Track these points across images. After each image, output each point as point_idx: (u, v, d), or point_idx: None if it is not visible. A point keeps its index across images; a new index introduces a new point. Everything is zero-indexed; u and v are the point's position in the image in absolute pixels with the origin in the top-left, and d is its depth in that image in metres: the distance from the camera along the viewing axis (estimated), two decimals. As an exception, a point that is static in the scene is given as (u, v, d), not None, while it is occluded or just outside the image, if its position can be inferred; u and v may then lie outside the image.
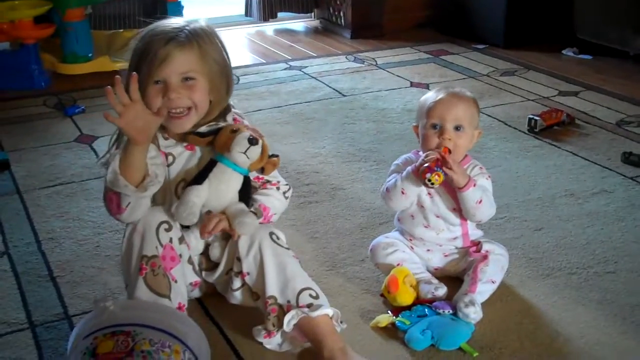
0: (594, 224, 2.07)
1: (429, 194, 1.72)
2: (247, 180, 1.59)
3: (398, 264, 1.72)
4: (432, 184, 1.61)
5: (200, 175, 1.55)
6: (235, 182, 1.56)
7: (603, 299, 1.72)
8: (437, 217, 1.73)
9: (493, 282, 1.69)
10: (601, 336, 1.59)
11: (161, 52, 1.49)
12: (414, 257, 1.76)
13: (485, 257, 1.70)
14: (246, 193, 1.59)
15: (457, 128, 1.69)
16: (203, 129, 1.58)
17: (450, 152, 1.67)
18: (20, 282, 1.81)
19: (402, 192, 1.71)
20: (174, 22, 1.56)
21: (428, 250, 1.77)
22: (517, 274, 1.82)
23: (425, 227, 1.75)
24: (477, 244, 1.75)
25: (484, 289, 1.66)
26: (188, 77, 1.52)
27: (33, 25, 3.21)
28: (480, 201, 1.68)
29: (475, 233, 1.77)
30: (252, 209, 1.59)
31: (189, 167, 1.59)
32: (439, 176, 1.60)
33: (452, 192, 1.70)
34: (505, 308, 1.69)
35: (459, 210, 1.71)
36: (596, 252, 1.93)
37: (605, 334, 1.60)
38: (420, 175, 1.63)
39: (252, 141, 1.53)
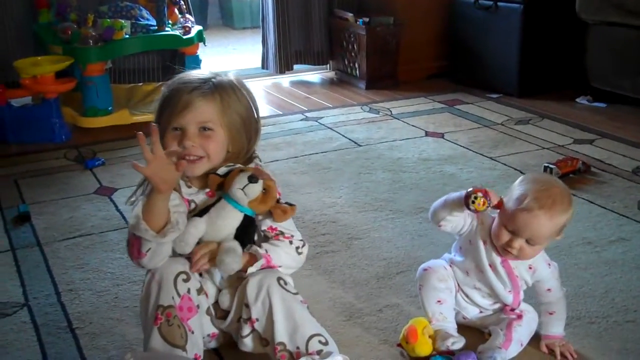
0: (613, 272, 2.06)
1: (491, 266, 1.67)
2: (248, 221, 1.59)
3: (439, 301, 1.70)
4: (473, 202, 1.54)
5: (204, 210, 1.58)
6: (233, 219, 1.57)
7: (623, 348, 1.71)
8: (491, 289, 1.71)
9: (522, 344, 1.68)
10: (622, 386, 1.58)
11: (183, 100, 1.54)
12: (453, 302, 1.74)
13: (520, 316, 1.69)
14: (245, 233, 1.59)
15: (528, 241, 1.60)
16: (221, 170, 1.61)
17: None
18: (40, 334, 1.82)
19: (444, 203, 1.64)
20: (202, 73, 1.61)
21: (468, 303, 1.76)
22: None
23: (475, 288, 1.73)
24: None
25: (513, 349, 1.65)
26: (206, 127, 1.55)
27: (54, 80, 3.29)
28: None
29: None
30: (249, 250, 1.59)
31: None
32: (484, 203, 1.54)
33: (515, 280, 1.68)
34: (526, 358, 1.68)
35: (515, 294, 1.70)
36: (615, 300, 1.91)
37: (627, 384, 1.58)
38: (466, 196, 1.56)
39: (252, 179, 1.55)
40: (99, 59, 3.38)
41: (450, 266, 1.76)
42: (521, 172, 2.83)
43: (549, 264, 1.70)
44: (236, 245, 1.56)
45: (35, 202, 2.64)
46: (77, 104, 3.47)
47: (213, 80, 1.58)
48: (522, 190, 1.59)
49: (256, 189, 1.56)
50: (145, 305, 1.53)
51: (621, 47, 3.62)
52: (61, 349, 1.75)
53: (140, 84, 3.93)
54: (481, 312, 1.76)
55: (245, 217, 1.58)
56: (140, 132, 1.46)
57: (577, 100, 3.84)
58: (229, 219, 1.57)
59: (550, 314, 1.72)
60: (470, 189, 1.58)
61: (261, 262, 1.59)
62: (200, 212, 1.58)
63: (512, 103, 3.82)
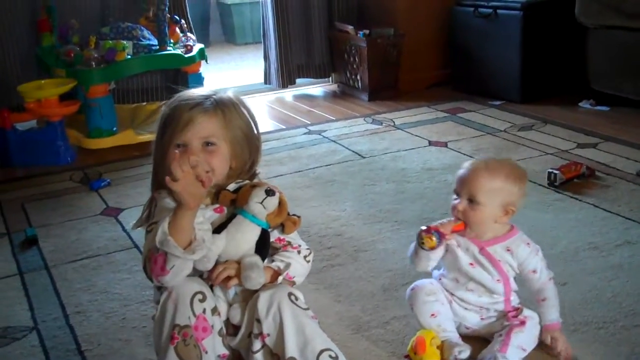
0: (619, 277, 2.06)
1: (472, 264, 1.71)
2: (265, 234, 1.61)
3: (432, 314, 1.71)
4: (422, 244, 1.64)
5: (220, 226, 1.59)
6: (251, 234, 1.59)
7: (632, 353, 1.70)
8: (481, 284, 1.72)
9: (524, 350, 1.67)
10: (632, 391, 1.57)
11: (185, 116, 1.55)
12: (450, 313, 1.74)
13: (523, 322, 1.69)
14: (263, 246, 1.61)
15: (470, 201, 1.67)
16: (231, 186, 1.63)
17: (464, 225, 1.67)
18: (49, 357, 1.82)
19: (416, 254, 1.72)
20: (202, 91, 1.63)
21: (466, 309, 1.76)
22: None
23: (469, 290, 1.74)
24: (517, 309, 1.73)
25: (513, 353, 1.64)
26: (209, 142, 1.57)
27: (58, 103, 3.31)
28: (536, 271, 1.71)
29: (515, 298, 1.76)
30: (275, 265, 1.62)
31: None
32: (430, 239, 1.63)
33: (498, 264, 1.70)
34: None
35: (505, 281, 1.71)
36: (623, 305, 1.91)
37: (636, 389, 1.58)
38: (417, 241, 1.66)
39: (269, 192, 1.58)
40: (102, 81, 3.40)
41: (440, 280, 1.78)
42: (525, 179, 2.83)
43: (528, 244, 1.71)
44: (258, 259, 1.58)
45: (42, 225, 2.65)
46: (81, 125, 3.49)
47: (213, 97, 1.60)
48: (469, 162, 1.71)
49: (274, 201, 1.59)
50: (160, 324, 1.53)
51: (622, 50, 3.62)
52: (71, 371, 1.76)
53: (144, 103, 3.96)
54: (482, 318, 1.76)
55: (262, 230, 1.60)
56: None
57: (580, 104, 3.84)
58: (248, 234, 1.59)
59: (543, 300, 1.71)
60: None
61: (283, 277, 1.62)
62: (216, 229, 1.59)
63: (514, 109, 3.82)
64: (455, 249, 1.72)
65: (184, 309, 1.51)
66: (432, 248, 1.65)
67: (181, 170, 1.46)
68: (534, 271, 1.71)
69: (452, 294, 1.76)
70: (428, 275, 1.82)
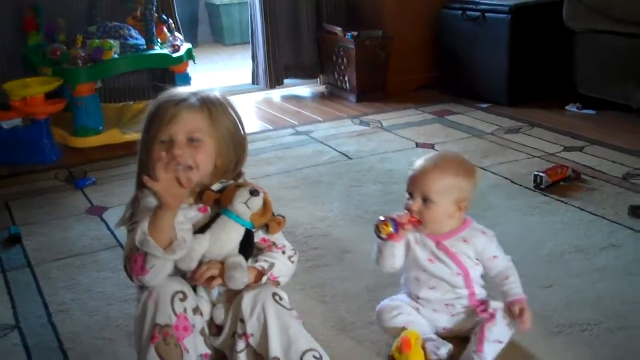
0: (604, 279, 2.06)
1: (430, 259, 1.73)
2: (249, 234, 1.60)
3: (403, 327, 1.71)
4: (379, 233, 1.65)
5: (204, 226, 1.59)
6: (235, 234, 1.58)
7: (615, 355, 1.70)
8: (441, 280, 1.73)
9: (500, 342, 1.67)
10: (615, 393, 1.57)
11: (170, 112, 1.55)
12: (420, 319, 1.76)
13: (492, 315, 1.69)
14: (247, 246, 1.60)
15: (424, 200, 1.68)
16: (215, 186, 1.62)
17: (418, 221, 1.69)
18: (31, 356, 1.81)
19: (380, 252, 1.75)
20: (189, 89, 1.63)
21: (434, 310, 1.77)
22: (528, 332, 1.79)
23: (431, 288, 1.75)
24: (484, 302, 1.74)
25: (490, 349, 1.65)
26: (194, 138, 1.56)
27: (44, 101, 3.29)
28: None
29: (482, 292, 1.77)
30: (259, 265, 1.61)
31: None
32: (386, 225, 1.64)
33: (455, 257, 1.71)
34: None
35: (465, 274, 1.72)
36: (607, 307, 1.91)
37: (619, 391, 1.58)
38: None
39: (253, 192, 1.57)
40: (88, 79, 3.39)
41: (404, 284, 1.80)
42: (511, 182, 2.84)
43: (484, 232, 1.73)
44: (241, 259, 1.57)
45: (26, 223, 2.63)
46: (67, 124, 3.47)
47: (200, 94, 1.60)
48: (418, 161, 1.73)
49: (258, 202, 1.58)
50: (141, 323, 1.52)
51: (609, 55, 3.64)
52: (52, 370, 1.75)
53: (131, 102, 3.94)
54: (452, 314, 1.76)
55: (246, 230, 1.59)
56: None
57: (567, 107, 3.86)
58: (232, 234, 1.58)
59: (506, 279, 1.72)
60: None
61: (267, 277, 1.61)
62: (200, 228, 1.58)
63: (501, 112, 3.84)
64: (414, 246, 1.74)
65: (165, 308, 1.49)
66: (389, 235, 1.65)
67: (164, 171, 1.45)
68: (495, 257, 1.73)
69: (417, 298, 1.77)
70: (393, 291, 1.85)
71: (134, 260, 1.49)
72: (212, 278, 1.56)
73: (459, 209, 1.70)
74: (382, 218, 1.67)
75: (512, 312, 1.68)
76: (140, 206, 1.58)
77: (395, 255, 1.74)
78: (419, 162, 1.73)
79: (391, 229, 1.65)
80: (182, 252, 1.50)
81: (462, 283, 1.73)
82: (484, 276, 1.77)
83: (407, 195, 1.72)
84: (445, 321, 1.77)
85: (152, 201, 1.50)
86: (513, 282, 1.72)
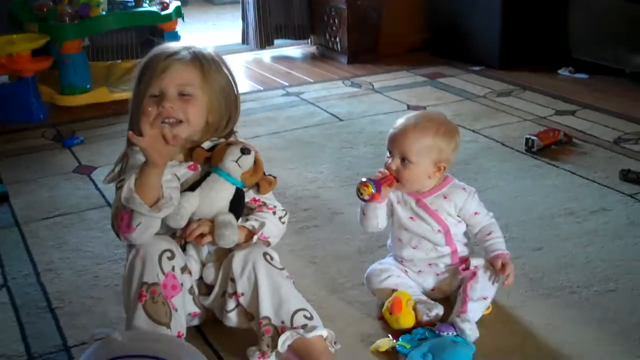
0: (594, 243, 2.06)
1: (411, 217, 1.72)
2: (240, 193, 1.59)
3: (393, 289, 1.71)
4: (361, 194, 1.63)
5: (195, 184, 1.57)
6: (226, 192, 1.57)
7: (604, 317, 1.71)
8: (423, 238, 1.73)
9: (485, 298, 1.68)
10: (604, 355, 1.58)
11: (161, 64, 1.52)
12: (408, 281, 1.76)
13: (474, 273, 1.69)
14: (238, 205, 1.59)
15: (403, 160, 1.67)
16: (206, 144, 1.60)
17: (395, 179, 1.67)
18: (19, 314, 1.80)
19: (363, 213, 1.74)
20: (181, 43, 1.61)
21: (420, 271, 1.77)
22: (518, 294, 1.81)
23: (414, 248, 1.75)
24: (465, 260, 1.73)
25: (475, 307, 1.65)
26: (185, 92, 1.53)
27: (31, 59, 3.24)
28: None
29: (464, 250, 1.76)
30: (249, 225, 1.60)
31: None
32: (367, 187, 1.62)
33: (435, 214, 1.70)
34: (507, 329, 1.68)
35: (446, 231, 1.71)
36: (597, 270, 1.92)
37: (608, 353, 1.58)
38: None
39: (245, 151, 1.56)
40: (75, 37, 3.33)
41: (392, 254, 1.81)
42: (503, 145, 2.83)
43: (464, 188, 1.72)
44: (231, 217, 1.56)
45: (13, 182, 2.60)
46: (54, 82, 3.42)
47: (193, 49, 1.58)
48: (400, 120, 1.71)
49: (249, 160, 1.57)
50: (128, 282, 1.51)
51: (602, 18, 3.61)
52: (41, 328, 1.74)
53: (119, 61, 3.89)
54: (437, 274, 1.77)
55: (237, 189, 1.58)
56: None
57: (559, 71, 3.83)
58: (222, 192, 1.57)
59: (489, 234, 1.72)
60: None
61: (257, 237, 1.60)
62: (191, 186, 1.56)
63: (494, 75, 3.81)
64: (396, 205, 1.74)
65: (152, 266, 1.49)
66: (371, 196, 1.63)
67: (149, 127, 1.42)
68: (476, 213, 1.72)
69: (402, 260, 1.78)
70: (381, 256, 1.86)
71: (121, 218, 1.48)
72: (202, 235, 1.55)
73: (438, 169, 1.69)
74: (363, 179, 1.65)
75: (495, 267, 1.69)
76: (129, 163, 1.56)
77: (379, 216, 1.74)
78: (400, 121, 1.71)
79: (372, 190, 1.63)
80: (169, 210, 1.48)
81: (443, 240, 1.73)
82: (466, 234, 1.77)
83: (387, 154, 1.71)
84: (432, 282, 1.77)
85: (140, 158, 1.48)
86: (495, 238, 1.72)
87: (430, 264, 1.76)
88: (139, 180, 1.45)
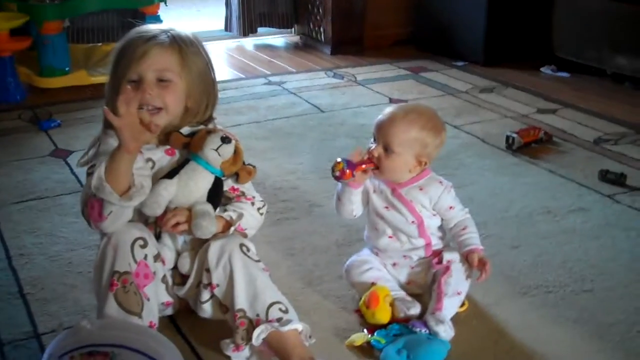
0: (571, 242, 2.07)
1: (387, 207, 1.72)
2: (218, 182, 1.57)
3: (373, 282, 1.70)
4: (333, 172, 1.64)
5: (172, 171, 1.55)
6: (204, 181, 1.55)
7: (580, 317, 1.72)
8: (397, 229, 1.72)
9: (459, 293, 1.67)
10: (578, 355, 1.58)
11: (140, 49, 1.50)
12: (388, 275, 1.75)
13: (447, 268, 1.69)
14: (216, 195, 1.57)
15: (386, 149, 1.66)
16: (185, 130, 1.57)
17: (374, 164, 1.67)
18: (-11, 300, 1.77)
19: (339, 199, 1.74)
20: (159, 26, 1.57)
21: (394, 264, 1.77)
22: (493, 292, 1.80)
23: (390, 237, 1.74)
24: (439, 253, 1.73)
25: (450, 304, 1.64)
26: (164, 78, 1.51)
27: (9, 38, 3.17)
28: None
29: (438, 243, 1.76)
30: (227, 215, 1.58)
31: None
32: (338, 165, 1.62)
33: (410, 205, 1.69)
34: (482, 327, 1.68)
35: (419, 223, 1.71)
36: (573, 270, 1.92)
37: (582, 353, 1.59)
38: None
39: (225, 140, 1.54)
40: (55, 17, 3.27)
41: (368, 246, 1.81)
42: (483, 141, 2.83)
43: (441, 182, 1.72)
44: (209, 207, 1.54)
45: (-13, 163, 2.56)
46: (33, 63, 3.36)
47: (171, 32, 1.55)
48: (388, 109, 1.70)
49: (229, 149, 1.55)
50: (99, 271, 1.49)
51: (586, 18, 3.62)
52: (11, 314, 1.71)
53: (99, 44, 3.83)
54: (412, 267, 1.76)
55: (216, 178, 1.56)
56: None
57: (542, 69, 3.84)
58: (200, 181, 1.54)
59: (464, 229, 1.72)
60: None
61: (234, 228, 1.58)
62: (168, 173, 1.54)
63: (477, 71, 3.81)
64: (371, 194, 1.73)
65: (124, 255, 1.46)
66: (342, 172, 1.62)
67: (126, 107, 1.39)
68: (451, 207, 1.72)
69: (378, 252, 1.77)
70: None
71: (91, 206, 1.45)
72: (177, 224, 1.52)
73: (419, 163, 1.69)
74: (338, 159, 1.65)
75: (470, 262, 1.68)
76: (100, 149, 1.53)
77: (353, 202, 1.73)
78: (389, 109, 1.70)
79: (343, 166, 1.62)
80: (140, 198, 1.46)
81: (416, 232, 1.72)
82: (442, 228, 1.77)
83: (372, 140, 1.70)
84: (406, 275, 1.77)
85: (113, 143, 1.45)
86: (470, 233, 1.72)
87: (405, 256, 1.76)
88: (110, 167, 1.42)
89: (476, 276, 1.70)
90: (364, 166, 1.65)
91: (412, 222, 1.71)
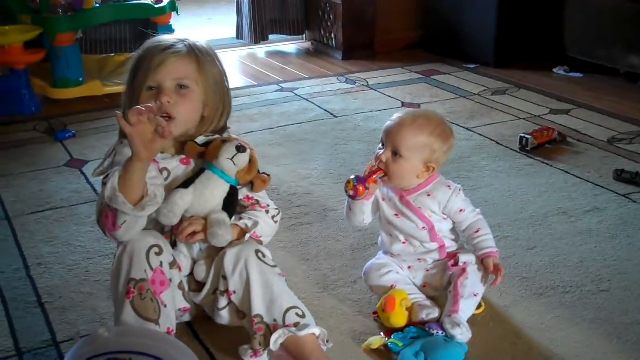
0: (587, 242, 2.06)
1: (397, 214, 1.71)
2: (233, 191, 1.58)
3: (392, 285, 1.70)
4: (346, 192, 1.64)
5: (188, 181, 1.55)
6: (220, 190, 1.55)
7: (597, 317, 1.71)
8: (409, 235, 1.73)
9: (475, 295, 1.67)
10: (595, 355, 1.58)
11: (158, 58, 1.51)
12: (407, 278, 1.75)
13: (463, 270, 1.69)
14: (231, 203, 1.58)
15: (394, 154, 1.65)
16: (200, 139, 1.58)
17: (385, 174, 1.67)
18: (8, 309, 1.78)
19: (350, 209, 1.74)
20: (175, 36, 1.60)
21: (410, 267, 1.77)
22: (510, 294, 1.80)
23: (403, 243, 1.74)
24: (454, 255, 1.73)
25: (466, 306, 1.64)
26: (182, 85, 1.52)
27: (23, 51, 3.20)
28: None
29: (452, 245, 1.76)
30: (242, 223, 1.58)
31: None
32: (349, 183, 1.63)
33: (418, 212, 1.69)
34: (499, 329, 1.67)
35: (430, 228, 1.70)
36: (590, 270, 1.91)
37: (600, 354, 1.58)
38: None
39: (240, 149, 1.54)
40: (68, 29, 3.30)
41: (383, 251, 1.80)
42: (497, 143, 2.82)
43: (449, 186, 1.71)
44: (225, 216, 1.55)
45: (4, 175, 2.58)
46: (47, 75, 3.39)
47: (187, 41, 1.56)
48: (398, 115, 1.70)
49: (245, 158, 1.55)
50: (116, 279, 1.50)
51: (598, 17, 3.61)
52: (30, 323, 1.72)
53: (112, 54, 3.85)
54: (427, 270, 1.76)
55: (231, 187, 1.57)
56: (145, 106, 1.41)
57: (554, 70, 3.83)
58: (216, 190, 1.55)
59: (477, 232, 1.72)
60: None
61: (249, 235, 1.59)
62: (184, 183, 1.55)
63: (489, 73, 3.80)
64: (381, 202, 1.73)
65: (140, 262, 1.47)
66: (355, 191, 1.63)
67: (137, 114, 1.39)
68: (462, 210, 1.71)
69: (392, 255, 1.77)
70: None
71: (106, 216, 1.46)
72: (194, 233, 1.53)
73: (427, 169, 1.68)
74: (350, 177, 1.65)
75: (486, 267, 1.68)
76: (116, 159, 1.54)
77: (365, 212, 1.73)
78: (398, 114, 1.70)
79: (354, 183, 1.63)
80: (153, 208, 1.47)
81: (428, 237, 1.72)
82: (454, 230, 1.76)
83: (380, 145, 1.70)
84: (422, 278, 1.76)
85: (128, 154, 1.46)
86: (483, 235, 1.71)
87: (419, 259, 1.75)
88: (123, 177, 1.43)
89: (491, 281, 1.70)
90: (374, 177, 1.65)
91: (423, 228, 1.71)
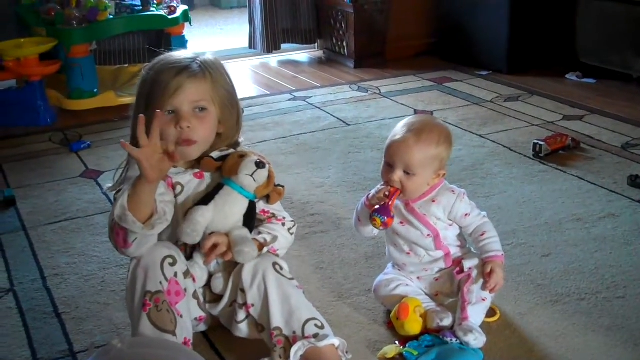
0: (602, 249, 2.05)
1: (402, 222, 1.72)
2: (252, 206, 1.59)
3: (403, 297, 1.70)
4: (377, 229, 1.68)
5: (207, 197, 1.56)
6: (240, 206, 1.56)
7: (613, 324, 1.70)
8: (414, 244, 1.73)
9: (484, 299, 1.67)
10: (612, 363, 1.57)
11: (173, 82, 1.51)
12: (417, 289, 1.75)
13: (469, 276, 1.69)
14: (251, 218, 1.59)
15: (406, 172, 1.65)
16: (215, 154, 1.59)
17: (400, 191, 1.67)
18: (26, 319, 1.80)
19: (359, 220, 1.76)
20: (184, 54, 1.59)
21: (419, 278, 1.77)
22: (526, 301, 1.80)
23: (407, 254, 1.74)
24: (459, 262, 1.73)
25: (475, 311, 1.64)
26: (200, 107, 1.53)
27: (38, 63, 3.24)
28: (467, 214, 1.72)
29: (457, 252, 1.75)
30: (261, 238, 1.59)
31: (197, 195, 1.58)
32: (375, 221, 1.64)
33: (423, 219, 1.69)
34: (515, 336, 1.67)
35: (435, 235, 1.70)
36: (605, 277, 1.91)
37: (617, 361, 1.58)
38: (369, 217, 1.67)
39: (260, 165, 1.55)
40: (83, 41, 3.33)
41: (391, 263, 1.81)
42: (510, 150, 2.82)
43: (453, 191, 1.71)
44: (247, 232, 1.56)
45: (20, 186, 2.61)
46: (62, 86, 3.43)
47: (199, 59, 1.56)
48: (396, 129, 1.69)
49: (264, 174, 1.56)
50: (131, 292, 1.51)
51: (610, 23, 3.60)
52: (47, 334, 1.74)
53: (126, 65, 3.89)
54: (436, 279, 1.76)
55: (250, 202, 1.57)
56: (142, 115, 1.41)
57: (567, 76, 3.82)
58: (236, 206, 1.56)
59: (482, 235, 1.71)
60: (369, 200, 1.71)
61: (267, 249, 1.60)
62: (203, 199, 1.55)
63: (501, 80, 3.80)
64: None
65: (155, 274, 1.48)
66: (384, 224, 1.64)
67: (146, 138, 1.39)
68: (467, 214, 1.71)
69: (399, 268, 1.78)
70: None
71: (117, 233, 1.47)
72: (215, 246, 1.54)
73: (437, 176, 1.70)
74: (371, 214, 1.65)
75: (483, 272, 1.68)
76: (129, 174, 1.55)
77: (368, 225, 1.73)
78: (399, 130, 1.67)
79: (380, 220, 1.64)
80: (162, 226, 1.47)
81: (433, 245, 1.72)
82: (461, 236, 1.76)
83: (384, 162, 1.69)
84: (431, 287, 1.77)
85: (138, 169, 1.47)
86: (489, 238, 1.71)
87: (425, 269, 1.75)
88: (132, 196, 1.43)
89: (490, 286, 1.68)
90: (394, 201, 1.66)
91: (428, 235, 1.71)
